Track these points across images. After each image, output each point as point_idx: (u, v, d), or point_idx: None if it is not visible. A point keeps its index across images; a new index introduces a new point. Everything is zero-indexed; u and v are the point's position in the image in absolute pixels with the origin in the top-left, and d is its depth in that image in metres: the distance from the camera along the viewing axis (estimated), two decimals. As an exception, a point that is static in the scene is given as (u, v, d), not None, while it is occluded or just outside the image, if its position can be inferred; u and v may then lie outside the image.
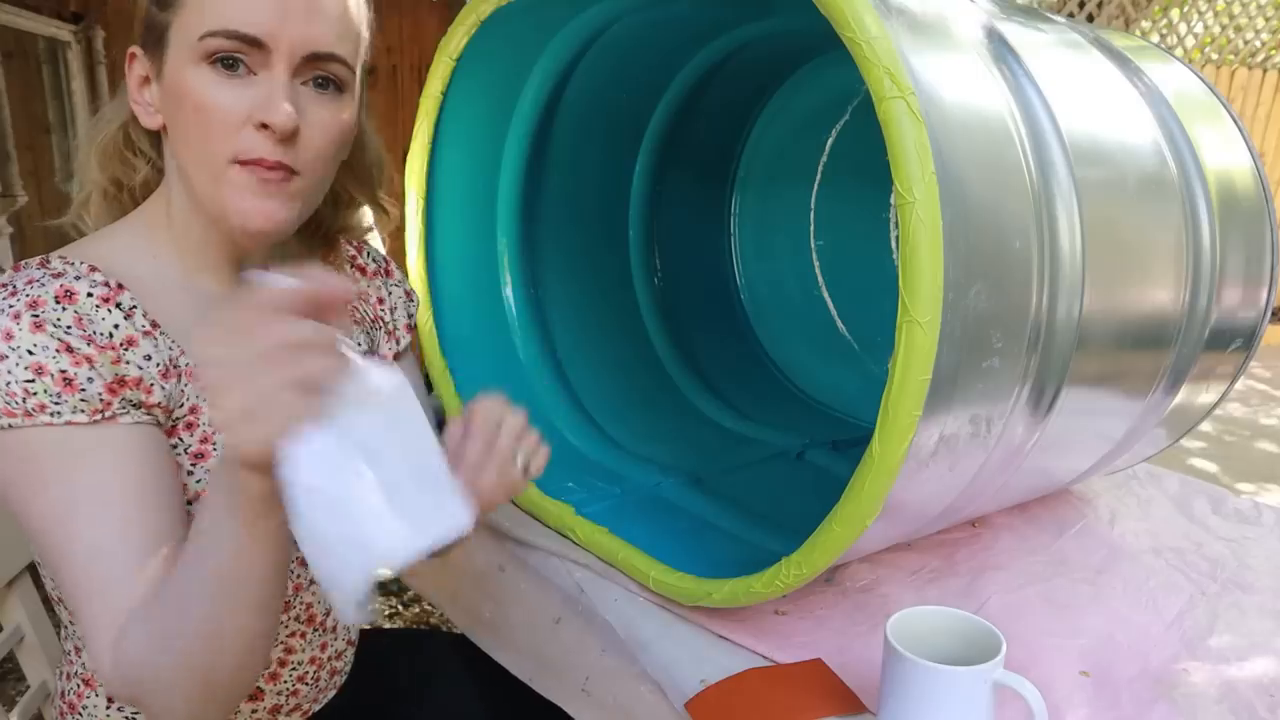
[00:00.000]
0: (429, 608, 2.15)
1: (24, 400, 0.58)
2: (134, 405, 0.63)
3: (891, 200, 1.45)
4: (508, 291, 1.28)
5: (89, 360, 0.60)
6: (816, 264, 1.62)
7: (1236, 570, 1.07)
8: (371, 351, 0.84)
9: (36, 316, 0.59)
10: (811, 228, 1.62)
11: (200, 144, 0.64)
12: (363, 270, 0.88)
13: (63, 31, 2.94)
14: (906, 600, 0.95)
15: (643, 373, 1.43)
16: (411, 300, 0.92)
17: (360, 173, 0.80)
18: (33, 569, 0.91)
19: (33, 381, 0.59)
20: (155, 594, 0.58)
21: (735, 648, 0.87)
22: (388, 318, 0.88)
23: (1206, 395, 1.16)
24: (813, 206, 1.61)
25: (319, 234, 0.82)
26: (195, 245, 0.70)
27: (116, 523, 0.59)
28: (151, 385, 0.64)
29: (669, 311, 1.49)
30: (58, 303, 0.61)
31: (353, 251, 0.88)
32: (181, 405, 0.67)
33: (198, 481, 0.68)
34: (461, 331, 1.20)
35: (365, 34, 0.70)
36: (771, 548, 0.85)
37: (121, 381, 0.62)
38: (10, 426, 0.59)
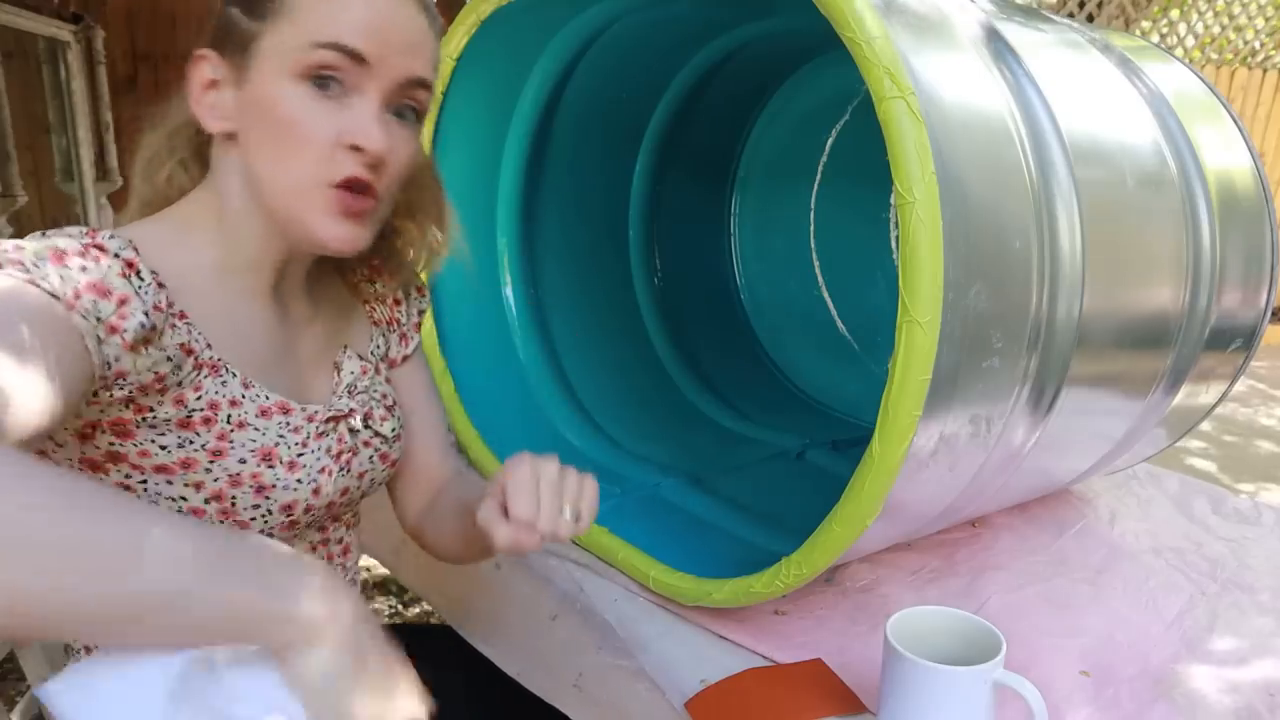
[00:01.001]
0: (429, 608, 2.15)
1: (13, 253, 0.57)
2: (97, 320, 0.56)
3: (891, 200, 1.45)
4: (508, 291, 1.28)
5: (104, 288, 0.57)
6: (816, 264, 1.62)
7: (1236, 570, 1.07)
8: (385, 356, 0.84)
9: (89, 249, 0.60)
10: (811, 228, 1.62)
11: (286, 160, 0.64)
12: (379, 271, 0.88)
13: (63, 31, 2.94)
14: (906, 600, 0.95)
15: (642, 373, 1.43)
16: (423, 296, 0.92)
17: (436, 207, 0.81)
18: (33, 569, 0.91)
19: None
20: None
21: (735, 648, 0.87)
22: (402, 319, 0.88)
23: (1206, 395, 1.16)
24: (813, 206, 1.61)
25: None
26: (246, 250, 0.69)
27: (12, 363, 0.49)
28: (134, 343, 0.58)
29: (669, 311, 1.49)
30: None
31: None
32: (199, 398, 0.65)
33: (215, 480, 0.68)
34: (461, 331, 1.20)
35: None
36: (771, 548, 0.85)
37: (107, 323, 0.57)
38: None
